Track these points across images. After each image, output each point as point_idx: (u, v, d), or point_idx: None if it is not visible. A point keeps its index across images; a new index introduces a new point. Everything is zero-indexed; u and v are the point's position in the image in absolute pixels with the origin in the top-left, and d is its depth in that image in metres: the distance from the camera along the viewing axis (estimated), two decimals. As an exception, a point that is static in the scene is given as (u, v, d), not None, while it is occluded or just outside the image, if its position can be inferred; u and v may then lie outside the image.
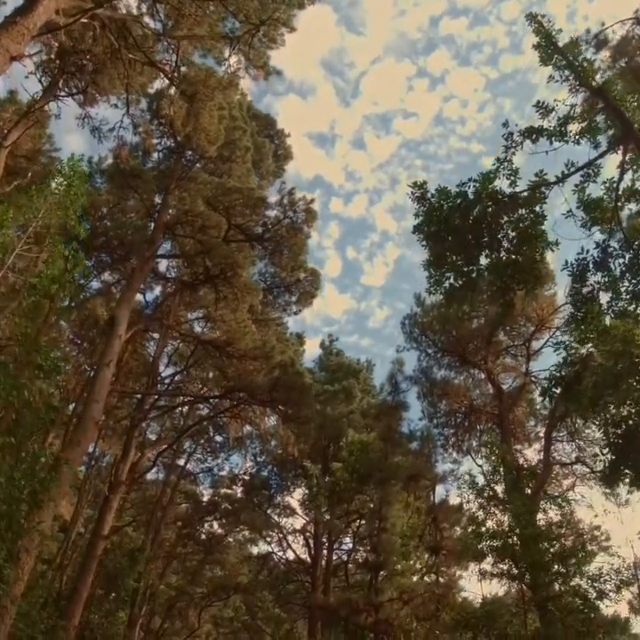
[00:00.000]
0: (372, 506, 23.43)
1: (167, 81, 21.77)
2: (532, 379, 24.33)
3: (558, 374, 8.02)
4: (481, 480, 15.68)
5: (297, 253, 24.11)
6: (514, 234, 9.29)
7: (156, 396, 24.42)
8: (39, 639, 15.89)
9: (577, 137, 9.95)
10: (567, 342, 7.88)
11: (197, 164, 26.72)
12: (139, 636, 29.34)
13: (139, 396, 25.66)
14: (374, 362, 39.45)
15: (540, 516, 14.87)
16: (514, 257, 9.07)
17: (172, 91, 21.26)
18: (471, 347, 24.60)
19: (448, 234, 9.58)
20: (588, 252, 8.97)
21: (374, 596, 19.50)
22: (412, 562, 21.46)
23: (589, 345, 7.70)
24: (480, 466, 16.49)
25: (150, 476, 38.01)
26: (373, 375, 36.25)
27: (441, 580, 20.35)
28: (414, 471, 22.51)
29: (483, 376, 25.51)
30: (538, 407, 24.21)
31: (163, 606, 31.70)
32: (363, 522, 28.83)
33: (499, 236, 9.49)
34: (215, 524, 35.36)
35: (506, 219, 9.52)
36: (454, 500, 27.94)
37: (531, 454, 17.34)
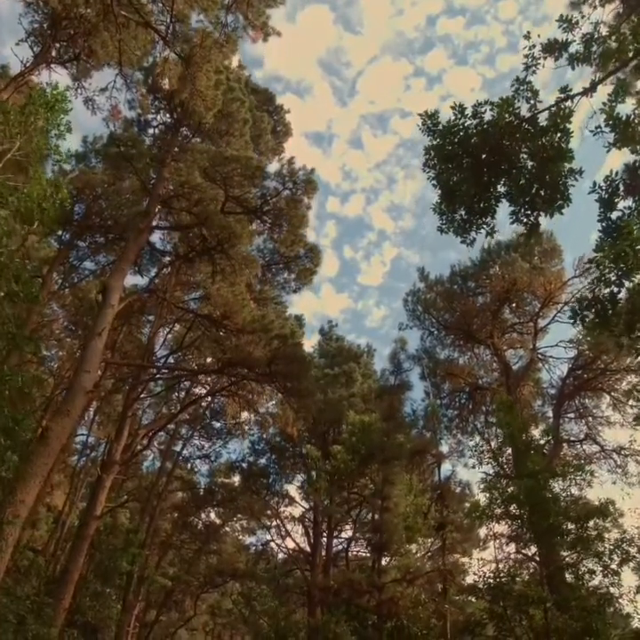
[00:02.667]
0: (373, 487, 22.61)
1: (162, 45, 21.15)
2: (539, 356, 23.61)
3: (591, 295, 7.25)
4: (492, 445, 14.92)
5: (296, 226, 23.34)
6: (535, 160, 8.52)
7: (151, 377, 23.59)
8: (28, 618, 15.07)
9: (600, 58, 9.20)
10: (598, 258, 7.11)
11: (194, 139, 26.01)
12: (134, 627, 28.56)
13: (133, 378, 24.91)
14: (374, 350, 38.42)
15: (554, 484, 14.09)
16: (537, 177, 8.30)
17: (167, 52, 20.51)
18: (476, 323, 23.86)
19: (463, 158, 8.83)
20: (616, 174, 8.22)
21: (377, 577, 18.68)
22: (416, 541, 20.69)
23: (623, 266, 6.94)
24: (488, 437, 15.67)
25: (146, 463, 37.42)
26: (374, 360, 35.43)
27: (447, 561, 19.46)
28: (419, 447, 21.72)
29: (488, 355, 24.79)
30: (545, 386, 23.50)
31: (158, 596, 30.91)
32: (363, 510, 28.05)
33: (519, 164, 8.73)
34: (212, 514, 34.64)
35: (526, 145, 8.75)
36: (462, 475, 27.10)
37: (538, 435, 16.57)
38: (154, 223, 22.90)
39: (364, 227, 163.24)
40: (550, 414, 23.38)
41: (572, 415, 23.69)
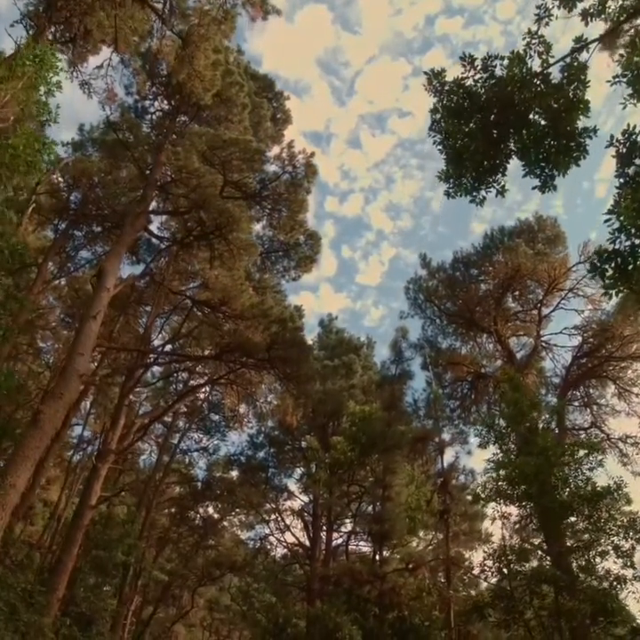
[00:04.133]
0: (374, 477, 22.18)
1: (159, 24, 20.74)
2: (543, 344, 23.19)
3: (611, 247, 6.83)
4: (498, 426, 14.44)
5: (296, 211, 22.89)
6: (548, 115, 8.11)
7: (148, 363, 23.12)
8: (19, 606, 14.60)
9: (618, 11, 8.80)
10: (619, 209, 6.68)
11: (192, 124, 25.60)
12: (131, 623, 28.09)
13: (129, 366, 24.46)
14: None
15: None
16: (550, 131, 7.89)
17: (165, 31, 20.09)
18: (479, 311, 23.43)
19: (472, 114, 8.42)
20: (634, 128, 7.81)
21: (379, 567, 18.25)
22: (419, 532, 20.26)
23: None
24: (493, 419, 15.17)
25: (143, 457, 36.96)
26: (374, 353, 34.99)
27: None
28: (421, 435, 21.30)
29: (491, 343, 24.36)
30: (549, 374, 23.09)
31: (155, 591, 30.45)
32: (363, 503, 27.59)
33: (531, 120, 8.32)
34: (210, 508, 34.17)
35: (539, 100, 8.33)
36: (465, 462, 26.56)
37: (546, 415, 16.09)
38: (151, 208, 22.50)
39: (363, 226, 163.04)
40: (554, 403, 22.89)
41: (576, 404, 23.28)
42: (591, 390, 23.37)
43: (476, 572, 13.17)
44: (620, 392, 22.55)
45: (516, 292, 24.09)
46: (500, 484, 13.12)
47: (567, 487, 12.58)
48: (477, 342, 25.22)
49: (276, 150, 23.70)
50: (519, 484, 12.60)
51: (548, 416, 15.41)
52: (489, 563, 12.88)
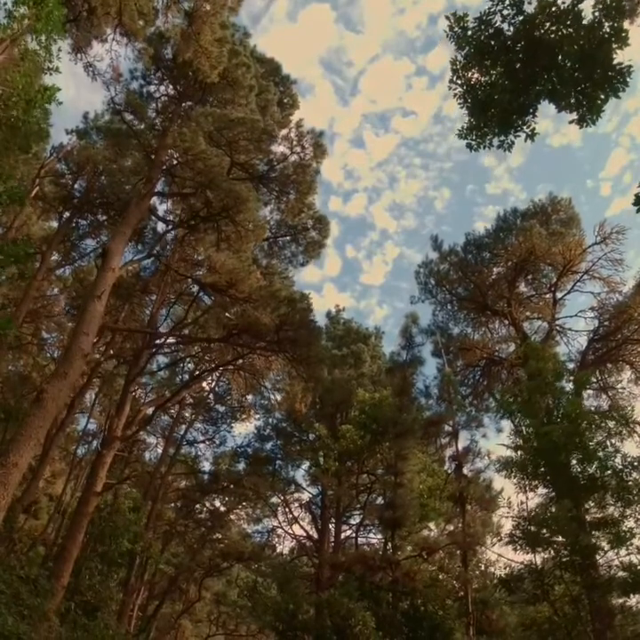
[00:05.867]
0: (385, 464, 21.65)
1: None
2: (557, 328, 22.63)
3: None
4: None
5: (304, 193, 22.45)
6: (582, 51, 7.59)
7: (154, 348, 22.67)
8: (20, 589, 14.16)
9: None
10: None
11: (198, 108, 25.18)
12: (137, 617, 27.65)
13: (135, 353, 24.03)
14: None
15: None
16: (584, 65, 7.38)
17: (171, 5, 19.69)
18: (492, 295, 22.89)
19: (499, 54, 7.92)
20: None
21: (392, 554, 17.73)
22: (432, 518, 19.70)
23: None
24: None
25: (149, 451, 36.57)
26: (382, 344, 34.46)
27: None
28: (434, 418, 20.76)
29: (504, 328, 23.81)
30: (563, 359, 22.42)
31: (162, 584, 30.03)
32: (372, 495, 27.05)
33: (562, 57, 7.81)
34: (217, 502, 33.71)
35: (571, 36, 7.82)
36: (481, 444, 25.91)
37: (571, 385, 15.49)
38: (156, 190, 22.09)
39: (367, 226, 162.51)
40: (568, 389, 22.31)
41: (592, 390, 22.67)
42: (607, 375, 22.82)
43: (503, 542, 12.52)
44: (637, 376, 21.99)
45: (529, 276, 23.53)
46: (523, 456, 12.52)
47: (595, 460, 11.99)
48: (490, 328, 24.69)
49: (283, 131, 23.30)
50: (544, 456, 11.95)
51: (573, 388, 14.83)
52: (518, 532, 12.31)
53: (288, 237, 24.67)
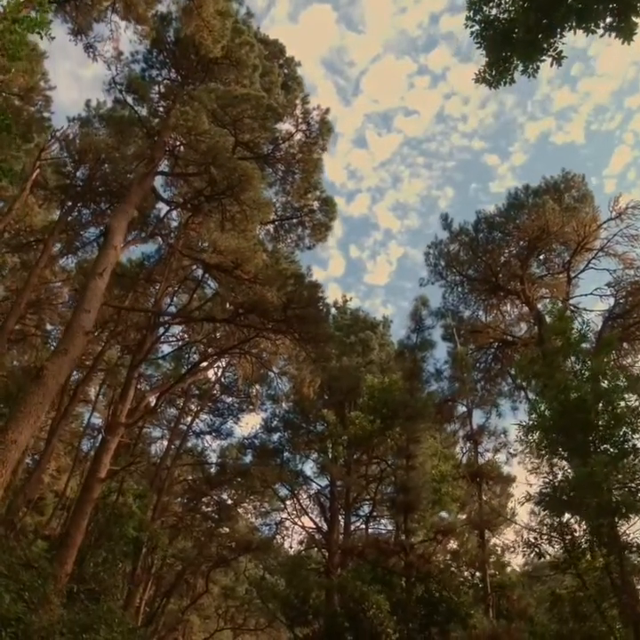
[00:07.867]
0: (396, 448, 21.06)
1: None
2: (572, 307, 21.97)
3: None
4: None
5: (310, 172, 21.93)
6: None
7: (158, 327, 22.12)
8: (22, 574, 13.64)
9: None
10: None
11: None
12: (143, 611, 27.13)
13: (139, 340, 23.57)
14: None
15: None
16: None
17: None
18: (503, 275, 22.27)
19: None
20: None
21: (405, 538, 17.13)
22: (445, 502, 19.09)
23: None
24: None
25: (156, 444, 36.10)
26: (391, 332, 33.87)
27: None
28: (447, 397, 20.18)
29: (516, 309, 23.18)
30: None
31: (169, 577, 29.51)
32: (382, 485, 26.45)
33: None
34: (224, 494, 33.18)
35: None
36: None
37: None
38: (159, 170, 21.65)
39: (370, 226, 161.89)
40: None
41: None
42: (623, 355, 22.15)
43: (533, 503, 11.78)
44: (655, 356, 21.36)
45: (542, 256, 22.91)
46: (551, 415, 11.80)
47: (623, 423, 11.25)
48: (502, 309, 24.05)
49: (288, 110, 22.80)
50: (572, 416, 11.14)
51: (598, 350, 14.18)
52: (548, 490, 11.63)
53: (294, 220, 24.13)
